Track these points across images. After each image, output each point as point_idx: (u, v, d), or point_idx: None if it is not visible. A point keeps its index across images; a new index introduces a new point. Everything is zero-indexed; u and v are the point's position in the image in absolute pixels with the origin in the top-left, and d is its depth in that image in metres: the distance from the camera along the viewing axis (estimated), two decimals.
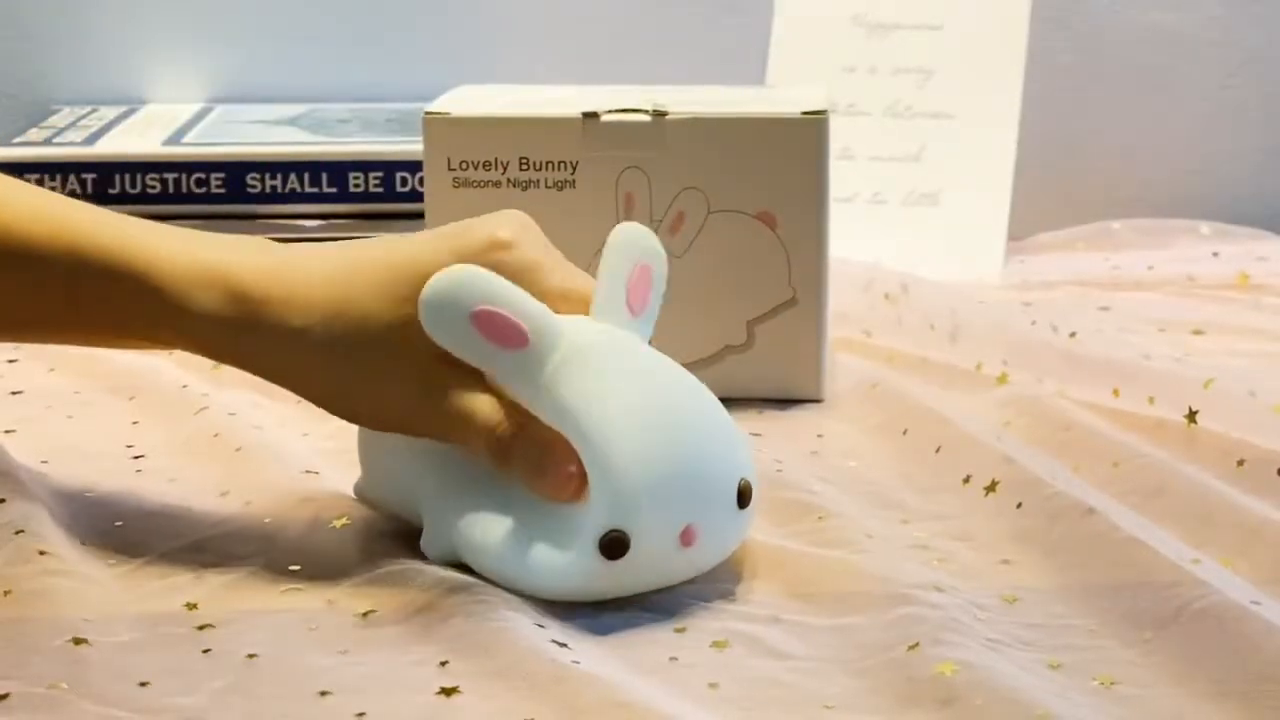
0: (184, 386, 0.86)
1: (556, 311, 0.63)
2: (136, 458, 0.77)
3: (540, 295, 0.63)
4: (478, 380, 0.63)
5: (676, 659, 0.57)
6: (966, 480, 0.72)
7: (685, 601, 0.61)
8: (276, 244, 0.67)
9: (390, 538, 0.67)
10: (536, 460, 0.62)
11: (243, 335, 0.64)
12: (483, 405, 0.63)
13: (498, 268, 0.63)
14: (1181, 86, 1.29)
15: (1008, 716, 0.52)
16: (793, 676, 0.55)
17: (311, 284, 0.64)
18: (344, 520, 0.66)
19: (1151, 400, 0.82)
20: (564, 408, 0.61)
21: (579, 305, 0.65)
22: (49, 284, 0.65)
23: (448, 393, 0.63)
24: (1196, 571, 0.61)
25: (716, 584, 0.62)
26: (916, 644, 0.56)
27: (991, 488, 0.71)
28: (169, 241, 0.66)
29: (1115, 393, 0.83)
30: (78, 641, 0.57)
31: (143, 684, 0.54)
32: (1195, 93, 1.29)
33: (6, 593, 0.60)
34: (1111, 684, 0.55)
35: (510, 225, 0.65)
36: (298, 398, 0.85)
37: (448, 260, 0.62)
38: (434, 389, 0.63)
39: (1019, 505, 0.69)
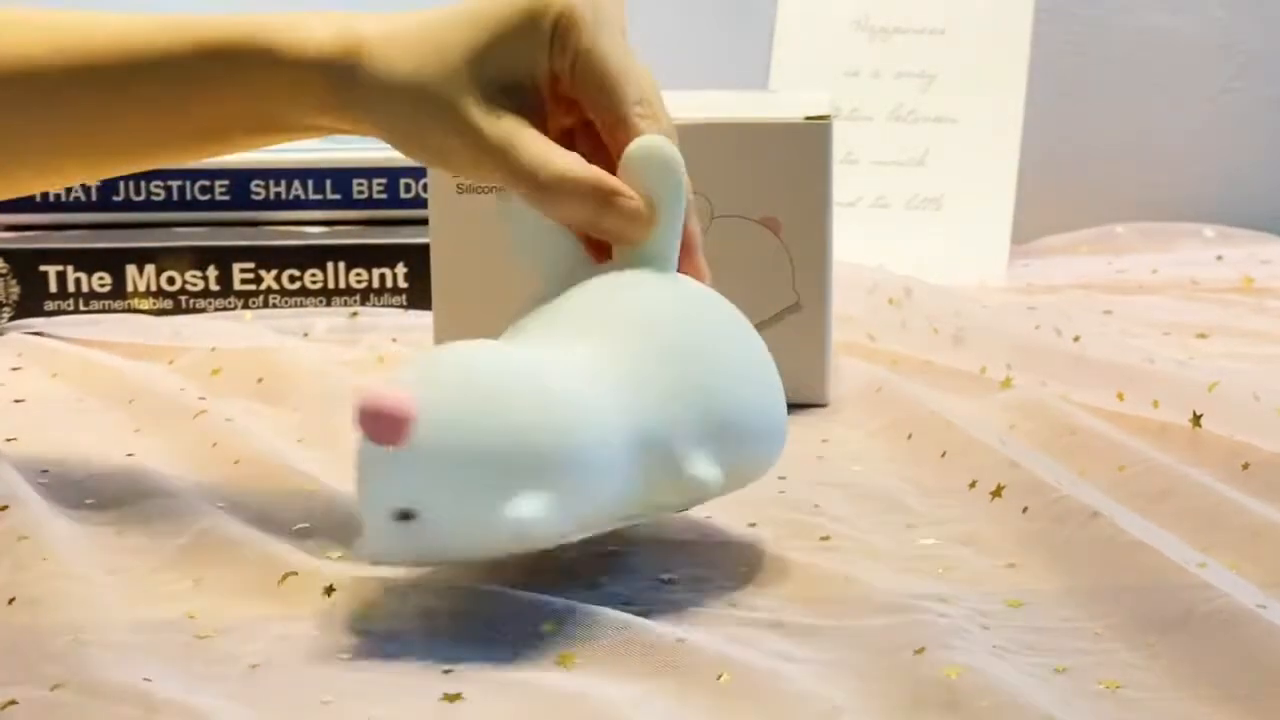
0: (181, 390, 0.86)
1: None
2: (137, 466, 0.77)
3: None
4: (535, 125, 0.66)
5: (678, 665, 0.56)
6: (972, 484, 0.72)
7: (690, 607, 0.61)
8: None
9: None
10: (588, 193, 0.64)
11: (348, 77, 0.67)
12: (534, 143, 0.65)
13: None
14: (1184, 90, 1.29)
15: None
16: (799, 681, 0.55)
17: (410, 30, 0.67)
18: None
19: (1156, 404, 0.81)
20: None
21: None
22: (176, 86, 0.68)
23: (503, 120, 0.65)
24: (1203, 575, 0.60)
25: (721, 591, 0.62)
26: (922, 648, 0.55)
27: (997, 492, 0.71)
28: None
29: (1120, 396, 0.83)
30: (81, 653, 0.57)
31: (146, 679, 0.54)
32: (1198, 96, 1.29)
33: (11, 600, 0.60)
34: (1117, 688, 0.55)
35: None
36: (294, 405, 0.85)
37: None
38: (495, 116, 0.66)
39: (1025, 509, 0.69)
